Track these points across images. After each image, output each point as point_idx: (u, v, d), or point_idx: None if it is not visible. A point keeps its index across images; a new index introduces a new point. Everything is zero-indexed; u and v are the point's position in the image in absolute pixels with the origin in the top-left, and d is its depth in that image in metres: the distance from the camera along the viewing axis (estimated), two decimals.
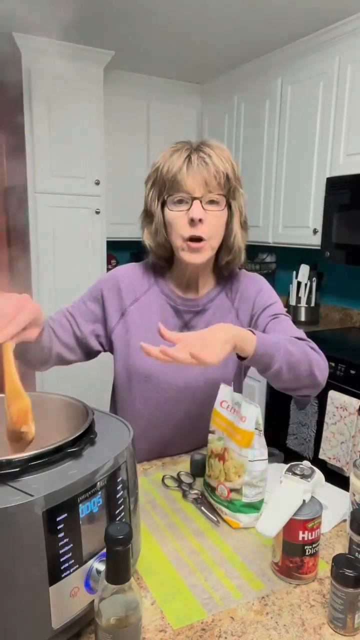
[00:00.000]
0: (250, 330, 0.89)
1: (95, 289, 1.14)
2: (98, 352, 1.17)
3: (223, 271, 1.14)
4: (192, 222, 0.99)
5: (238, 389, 1.02)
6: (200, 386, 1.11)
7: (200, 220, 0.98)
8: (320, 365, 0.99)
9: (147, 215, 1.08)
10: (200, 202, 0.99)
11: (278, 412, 2.47)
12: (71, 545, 0.59)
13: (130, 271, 1.15)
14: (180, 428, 1.14)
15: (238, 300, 1.14)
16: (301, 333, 1.08)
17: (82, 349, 1.13)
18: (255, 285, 1.15)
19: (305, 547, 0.74)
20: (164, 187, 1.02)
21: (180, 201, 1.00)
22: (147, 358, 1.06)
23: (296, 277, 2.88)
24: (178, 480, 1.04)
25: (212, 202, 1.00)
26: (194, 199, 0.98)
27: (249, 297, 1.14)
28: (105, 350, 1.17)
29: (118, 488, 0.66)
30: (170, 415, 1.13)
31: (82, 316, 1.12)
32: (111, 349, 1.15)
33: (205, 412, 1.05)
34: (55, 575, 0.57)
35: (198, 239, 1.00)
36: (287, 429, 2.40)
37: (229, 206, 1.04)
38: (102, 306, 1.12)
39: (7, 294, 0.82)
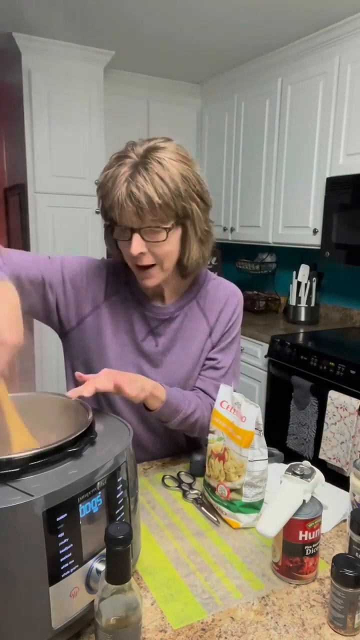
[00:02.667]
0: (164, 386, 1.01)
1: (78, 271, 1.06)
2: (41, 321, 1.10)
3: (186, 278, 1.09)
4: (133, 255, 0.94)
5: None
6: None
7: (141, 252, 0.94)
8: (204, 427, 1.08)
9: (104, 225, 1.02)
10: (139, 233, 0.92)
11: (278, 412, 2.47)
12: (71, 545, 0.59)
13: (109, 267, 1.10)
14: (141, 432, 1.11)
15: (208, 309, 1.11)
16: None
17: (40, 312, 1.06)
18: (224, 299, 1.12)
19: (305, 547, 0.74)
20: (106, 213, 0.96)
21: (124, 229, 0.94)
22: (111, 361, 1.05)
23: (296, 277, 2.88)
24: (178, 480, 1.04)
25: (153, 231, 0.93)
26: (132, 231, 0.93)
27: (214, 309, 1.12)
28: (54, 327, 1.10)
29: (118, 488, 0.66)
30: (130, 419, 1.09)
31: (56, 288, 1.04)
32: (67, 334, 1.09)
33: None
34: (55, 575, 0.57)
35: (147, 266, 0.97)
36: (287, 429, 2.40)
37: (182, 225, 0.97)
38: (79, 292, 1.05)
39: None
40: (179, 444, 1.18)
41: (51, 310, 1.06)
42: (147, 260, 0.96)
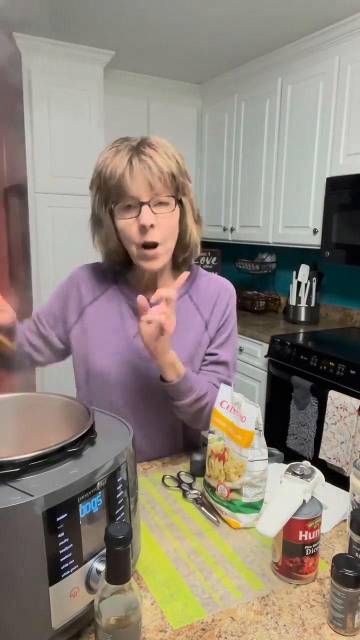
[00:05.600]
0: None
1: (61, 288, 1.15)
2: (67, 353, 1.17)
3: (181, 267, 1.11)
4: (144, 228, 0.95)
5: None
6: (158, 388, 1.05)
7: (152, 225, 0.95)
8: (210, 417, 1.10)
9: (96, 222, 1.04)
10: (149, 206, 0.95)
11: (278, 412, 2.47)
12: (71, 545, 0.59)
13: (91, 270, 1.15)
14: (137, 433, 1.09)
15: (201, 304, 1.12)
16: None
17: (49, 350, 1.14)
18: (216, 293, 1.13)
19: (305, 547, 0.74)
20: (109, 194, 0.97)
21: (129, 207, 0.96)
22: (105, 359, 1.06)
23: (296, 277, 2.89)
24: (178, 480, 1.04)
25: (161, 203, 0.96)
26: (142, 204, 0.94)
27: (207, 304, 1.13)
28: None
29: (118, 488, 0.66)
30: (128, 419, 1.09)
31: (46, 316, 1.14)
32: (65, 345, 1.16)
33: (165, 418, 1.06)
34: (55, 575, 0.57)
35: (153, 245, 0.97)
36: (287, 429, 2.40)
37: (180, 203, 1.01)
38: (65, 305, 1.13)
39: None
40: (177, 447, 1.18)
41: (53, 342, 1.15)
42: (155, 235, 0.97)
